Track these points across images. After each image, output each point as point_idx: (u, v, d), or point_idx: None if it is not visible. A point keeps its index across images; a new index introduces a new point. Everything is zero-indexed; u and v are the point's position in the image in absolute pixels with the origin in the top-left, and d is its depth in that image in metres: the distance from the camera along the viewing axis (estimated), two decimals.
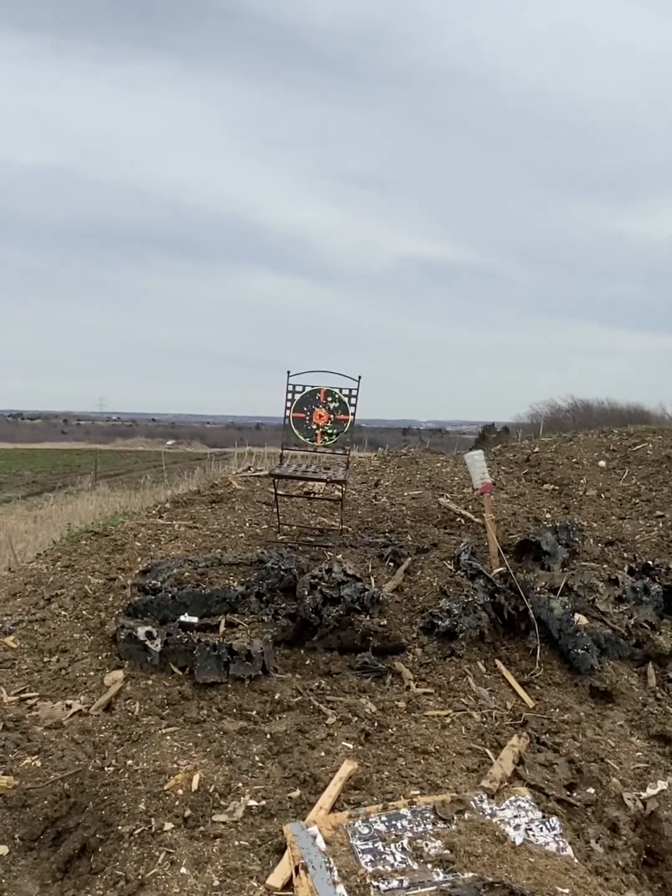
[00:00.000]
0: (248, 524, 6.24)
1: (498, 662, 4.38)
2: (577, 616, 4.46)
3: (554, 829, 3.02)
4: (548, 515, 6.36)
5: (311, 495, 6.98)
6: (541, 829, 3.00)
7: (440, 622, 4.42)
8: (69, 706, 3.73)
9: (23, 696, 3.83)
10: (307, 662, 4.26)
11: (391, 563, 5.23)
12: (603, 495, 7.05)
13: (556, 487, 7.30)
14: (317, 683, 4.02)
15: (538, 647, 4.41)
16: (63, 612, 4.63)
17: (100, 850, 2.87)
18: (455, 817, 2.95)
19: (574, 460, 7.95)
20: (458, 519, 6.41)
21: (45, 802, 3.07)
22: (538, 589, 4.69)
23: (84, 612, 4.64)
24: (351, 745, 3.47)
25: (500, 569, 4.94)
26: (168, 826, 2.90)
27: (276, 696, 3.85)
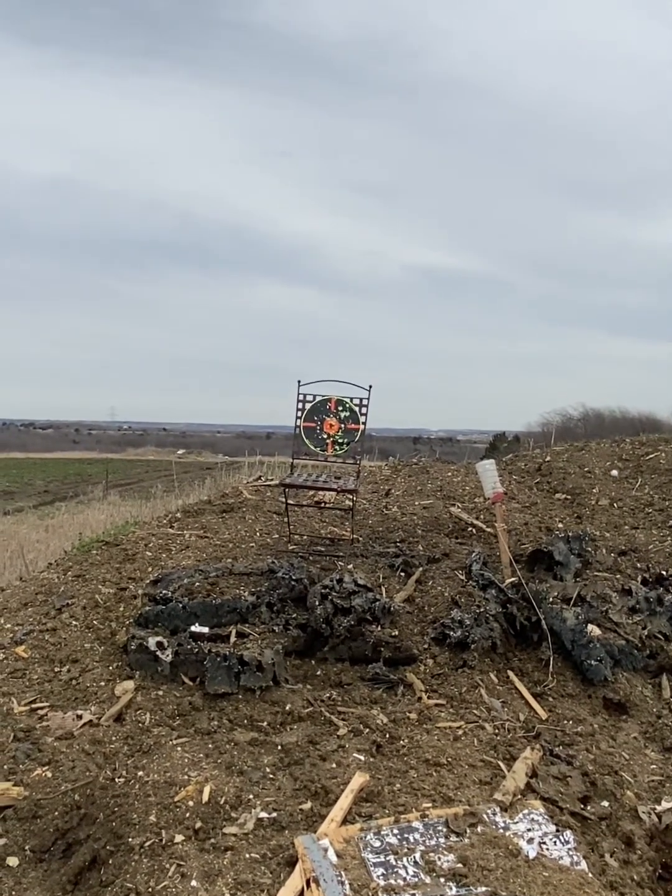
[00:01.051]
0: (258, 534, 6.24)
1: (510, 673, 4.34)
2: (590, 627, 4.42)
3: (568, 842, 2.98)
4: (560, 525, 6.33)
5: (322, 505, 6.98)
6: (555, 842, 2.96)
7: (452, 633, 4.39)
8: (80, 716, 3.72)
9: (34, 706, 3.83)
10: (318, 673, 4.24)
11: (402, 573, 5.22)
12: (615, 505, 7.01)
13: (568, 497, 7.27)
14: (328, 694, 4.00)
15: (551, 658, 4.38)
16: (74, 622, 4.63)
17: (110, 862, 2.85)
18: (468, 831, 2.92)
19: (586, 469, 7.93)
20: (470, 529, 6.39)
21: (56, 814, 3.06)
22: (551, 599, 4.66)
23: (95, 622, 4.64)
24: (362, 757, 3.45)
25: (513, 579, 4.91)
26: (179, 838, 2.89)
27: (287, 707, 3.83)
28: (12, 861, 2.88)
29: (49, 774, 3.25)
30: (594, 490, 7.33)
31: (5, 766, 3.28)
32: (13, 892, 2.75)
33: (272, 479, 8.69)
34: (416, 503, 7.20)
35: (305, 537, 6.17)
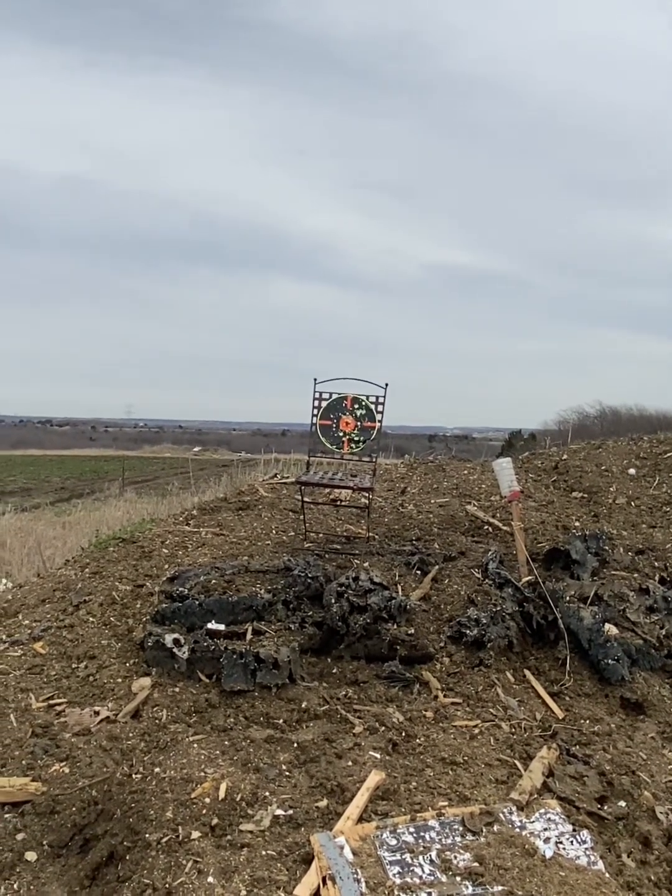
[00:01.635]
0: (274, 531, 6.25)
1: (527, 672, 4.33)
2: (607, 626, 4.40)
3: (584, 842, 2.97)
4: (577, 524, 6.30)
5: (338, 503, 6.98)
6: (571, 842, 2.95)
7: (468, 631, 4.38)
8: (97, 713, 3.74)
9: (51, 702, 3.86)
10: (334, 671, 4.24)
11: (418, 572, 5.21)
12: (633, 503, 6.97)
13: (585, 495, 7.23)
14: (344, 692, 4.00)
15: (568, 657, 4.36)
16: (91, 619, 4.66)
17: (127, 857, 2.86)
18: (484, 830, 2.91)
19: (603, 468, 7.88)
20: (486, 527, 6.37)
21: (74, 809, 3.08)
22: (567, 598, 4.64)
23: (112, 619, 4.67)
24: (378, 755, 3.45)
25: (529, 578, 4.89)
26: (195, 835, 2.90)
27: (303, 705, 3.83)
28: (31, 856, 2.90)
29: (67, 770, 3.27)
30: (611, 488, 7.29)
31: (24, 762, 3.31)
32: (32, 887, 2.77)
33: (288, 477, 8.70)
34: (432, 501, 7.18)
35: (321, 535, 6.17)
